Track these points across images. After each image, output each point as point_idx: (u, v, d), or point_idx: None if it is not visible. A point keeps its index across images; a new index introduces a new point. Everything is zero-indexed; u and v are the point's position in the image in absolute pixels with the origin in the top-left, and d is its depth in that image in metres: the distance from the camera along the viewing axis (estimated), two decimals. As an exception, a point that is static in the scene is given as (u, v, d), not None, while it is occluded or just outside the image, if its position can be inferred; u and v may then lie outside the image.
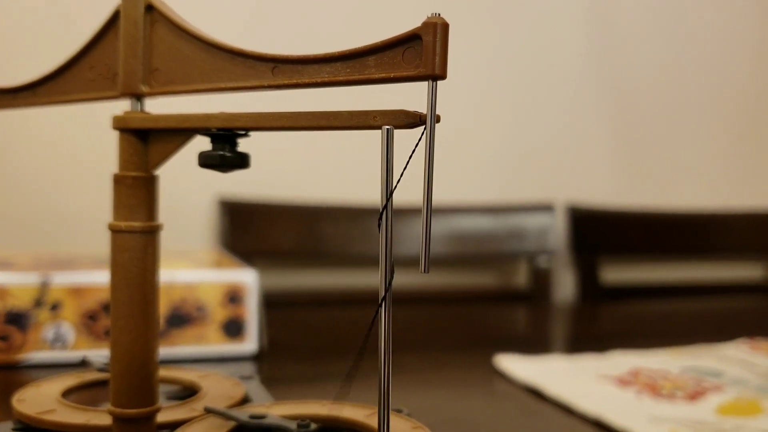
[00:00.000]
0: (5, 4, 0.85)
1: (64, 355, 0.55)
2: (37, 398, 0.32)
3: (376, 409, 0.29)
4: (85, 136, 0.87)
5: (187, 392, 0.36)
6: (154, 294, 0.26)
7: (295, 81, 0.22)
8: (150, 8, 0.25)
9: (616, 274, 1.13)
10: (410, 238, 0.98)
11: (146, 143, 0.25)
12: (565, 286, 1.11)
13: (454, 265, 1.07)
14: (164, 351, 0.56)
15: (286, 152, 0.97)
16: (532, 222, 1.04)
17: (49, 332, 0.55)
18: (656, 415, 0.44)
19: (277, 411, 0.32)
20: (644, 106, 1.15)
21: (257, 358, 0.58)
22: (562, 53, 1.10)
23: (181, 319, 0.57)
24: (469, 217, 1.03)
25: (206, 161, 0.24)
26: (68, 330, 0.56)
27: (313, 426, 0.30)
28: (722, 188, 1.19)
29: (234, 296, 0.59)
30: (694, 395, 0.49)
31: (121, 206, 0.25)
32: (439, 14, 0.19)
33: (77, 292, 0.56)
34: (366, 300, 0.96)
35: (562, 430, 0.43)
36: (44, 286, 0.56)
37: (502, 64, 1.08)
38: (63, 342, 0.56)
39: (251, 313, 0.59)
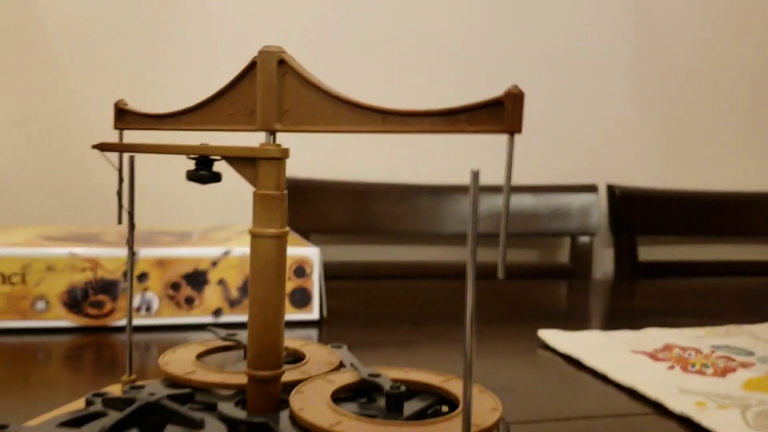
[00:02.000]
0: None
1: (149, 321, 0.62)
2: (178, 361, 0.39)
3: (449, 376, 0.34)
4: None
5: (292, 358, 0.41)
6: (281, 282, 0.34)
7: (401, 129, 0.28)
8: (282, 62, 0.32)
9: (654, 253, 1.16)
10: (457, 216, 1.02)
11: (278, 168, 0.32)
12: (604, 263, 1.15)
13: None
14: (241, 318, 0.62)
15: (342, 139, 1.01)
16: (575, 202, 1.08)
17: (136, 300, 0.62)
18: (685, 388, 0.48)
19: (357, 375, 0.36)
20: (684, 88, 1.17)
21: (319, 325, 0.64)
22: (606, 40, 1.12)
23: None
24: (516, 197, 1.06)
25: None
26: (153, 298, 0.63)
27: (403, 388, 0.34)
28: (760, 170, 1.20)
29: (299, 269, 0.64)
30: (724, 372, 0.51)
31: (259, 217, 0.33)
32: (517, 86, 0.24)
33: (161, 263, 0.62)
34: (413, 274, 1.01)
35: (599, 396, 0.48)
36: (132, 258, 0.62)
37: (545, 50, 1.10)
38: (149, 309, 0.62)
39: (315, 285, 0.64)
